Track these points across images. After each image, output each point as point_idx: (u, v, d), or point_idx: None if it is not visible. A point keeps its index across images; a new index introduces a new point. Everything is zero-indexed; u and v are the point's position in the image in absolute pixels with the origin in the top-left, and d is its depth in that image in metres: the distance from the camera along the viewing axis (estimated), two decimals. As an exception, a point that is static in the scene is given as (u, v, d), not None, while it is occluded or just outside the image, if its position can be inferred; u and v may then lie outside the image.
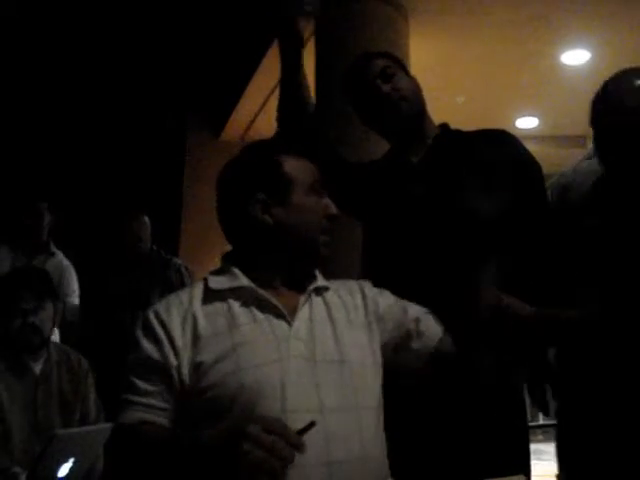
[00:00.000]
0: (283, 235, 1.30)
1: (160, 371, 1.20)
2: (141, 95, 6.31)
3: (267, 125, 6.41)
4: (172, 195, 6.61)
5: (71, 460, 1.96)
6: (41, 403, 2.22)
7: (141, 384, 1.20)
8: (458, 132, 1.83)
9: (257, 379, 1.17)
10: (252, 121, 6.53)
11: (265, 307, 1.27)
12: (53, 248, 3.86)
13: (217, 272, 1.34)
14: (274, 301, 1.27)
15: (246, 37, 5.52)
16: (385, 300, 1.42)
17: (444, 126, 1.85)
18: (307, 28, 4.84)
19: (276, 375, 1.18)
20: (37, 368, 2.25)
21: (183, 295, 1.30)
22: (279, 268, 1.32)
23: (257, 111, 6.30)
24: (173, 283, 3.84)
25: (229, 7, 5.48)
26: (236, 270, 1.30)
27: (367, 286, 1.44)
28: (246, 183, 1.32)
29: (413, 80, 1.82)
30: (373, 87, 1.77)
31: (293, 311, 1.28)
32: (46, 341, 2.27)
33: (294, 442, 1.00)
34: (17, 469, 2.04)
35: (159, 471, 1.11)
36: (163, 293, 3.80)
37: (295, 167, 1.32)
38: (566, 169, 1.91)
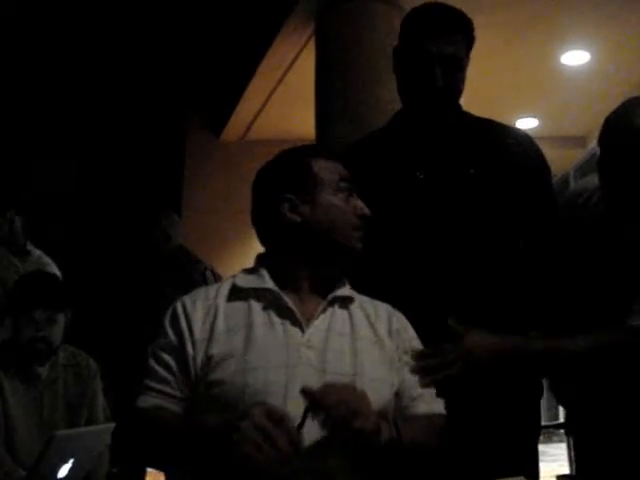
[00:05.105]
0: (310, 233, 1.32)
1: (178, 360, 1.25)
2: (141, 96, 6.31)
3: (267, 126, 6.42)
4: (171, 195, 6.61)
5: (71, 461, 1.96)
6: (47, 406, 2.21)
7: (160, 371, 1.25)
8: (476, 119, 1.77)
9: (262, 381, 1.20)
10: (252, 122, 6.52)
11: (284, 312, 1.29)
12: (29, 246, 3.80)
13: (248, 271, 1.38)
14: (293, 307, 1.29)
15: (246, 37, 5.52)
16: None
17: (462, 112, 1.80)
18: (307, 28, 4.85)
19: (281, 380, 1.20)
20: (44, 372, 2.24)
21: (211, 290, 1.35)
22: (306, 270, 1.34)
23: (257, 112, 6.29)
24: (196, 286, 3.81)
25: (229, 7, 5.48)
26: (264, 272, 1.34)
27: (397, 317, 1.40)
28: (277, 184, 1.36)
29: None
30: (432, 78, 1.70)
31: (312, 319, 1.30)
32: (55, 350, 2.25)
33: (291, 434, 1.05)
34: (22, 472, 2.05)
35: (168, 453, 1.19)
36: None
37: (323, 167, 1.36)
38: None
